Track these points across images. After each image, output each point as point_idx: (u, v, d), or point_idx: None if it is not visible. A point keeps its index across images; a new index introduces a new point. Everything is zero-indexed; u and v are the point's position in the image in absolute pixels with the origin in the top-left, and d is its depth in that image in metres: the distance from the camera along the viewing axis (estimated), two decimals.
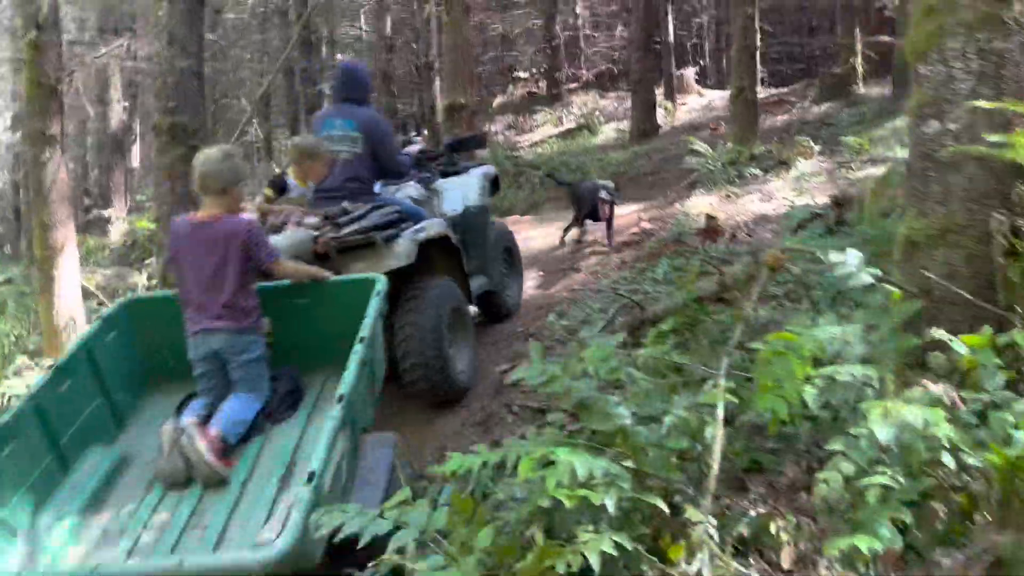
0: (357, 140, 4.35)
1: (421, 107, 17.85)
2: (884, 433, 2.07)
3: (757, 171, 8.87)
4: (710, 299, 3.39)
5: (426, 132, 15.67)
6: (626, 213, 8.51)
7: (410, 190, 4.71)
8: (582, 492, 2.07)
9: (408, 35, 20.15)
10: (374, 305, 3.18)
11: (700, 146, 9.14)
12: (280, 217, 4.02)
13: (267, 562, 2.14)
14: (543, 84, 22.04)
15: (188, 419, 2.96)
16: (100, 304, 7.49)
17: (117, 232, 10.92)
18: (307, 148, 4.17)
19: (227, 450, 2.97)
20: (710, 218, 6.46)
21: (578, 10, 23.12)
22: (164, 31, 5.15)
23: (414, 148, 5.23)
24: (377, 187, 4.57)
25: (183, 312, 3.18)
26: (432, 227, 4.25)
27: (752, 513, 2.29)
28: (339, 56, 25.93)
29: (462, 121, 9.74)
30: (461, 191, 5.07)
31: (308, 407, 3.27)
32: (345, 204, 4.04)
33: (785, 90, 17.71)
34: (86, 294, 7.24)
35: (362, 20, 25.29)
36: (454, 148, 5.46)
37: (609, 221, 7.03)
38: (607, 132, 16.78)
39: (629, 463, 2.29)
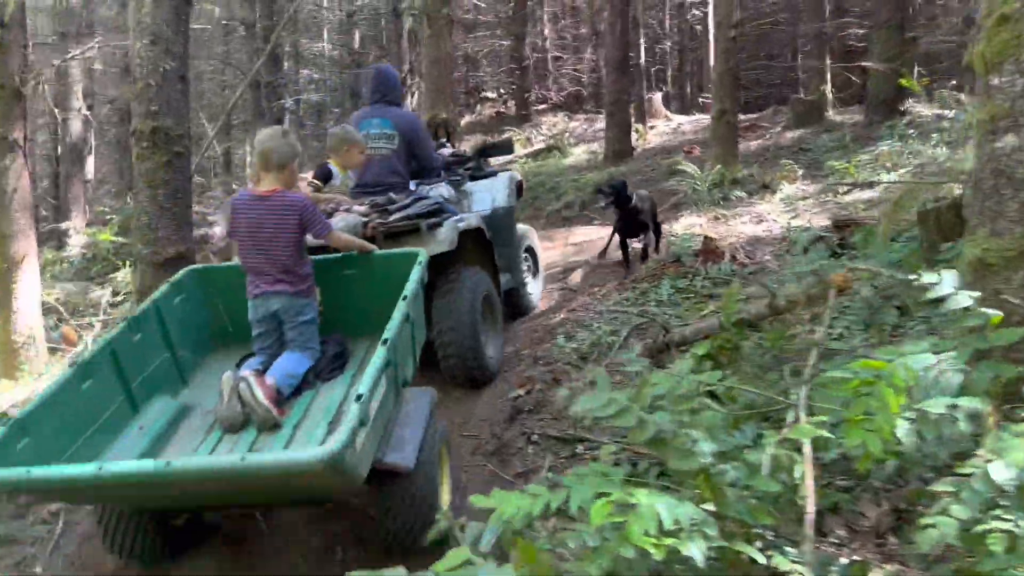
0: (393, 137, 4.67)
1: None
2: (1002, 473, 1.86)
3: (742, 193, 8.81)
4: (751, 322, 3.18)
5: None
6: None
7: (441, 190, 4.88)
8: (669, 541, 1.82)
9: (376, 51, 19.92)
10: (416, 271, 3.40)
11: (688, 167, 9.02)
12: (331, 205, 4.23)
13: (321, 458, 2.24)
14: (511, 104, 21.93)
15: (247, 371, 3.22)
16: (60, 321, 7.03)
17: (76, 245, 10.41)
18: (344, 136, 4.36)
19: (280, 400, 3.20)
20: (707, 239, 6.30)
21: (546, 32, 23.15)
22: (146, 31, 4.81)
23: (445, 151, 5.52)
24: (411, 187, 4.81)
25: (246, 277, 3.42)
26: (470, 219, 4.56)
27: (843, 561, 2.06)
28: (304, 71, 25.59)
29: (443, 136, 9.49)
30: (489, 193, 5.38)
31: (353, 369, 3.50)
32: (391, 195, 4.35)
33: (754, 116, 17.84)
34: (46, 309, 6.78)
35: (325, 35, 25.04)
36: (483, 153, 5.70)
37: (628, 230, 6.35)
38: (577, 154, 16.68)
39: (708, 506, 2.05)
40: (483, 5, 23.61)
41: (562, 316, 5.73)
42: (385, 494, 2.87)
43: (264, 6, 18.63)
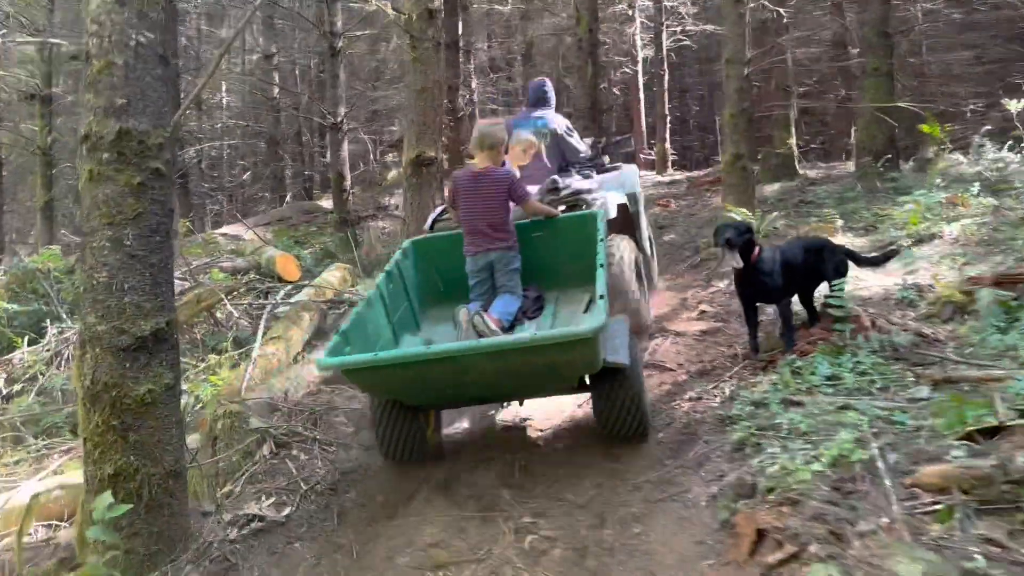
0: (547, 136, 5.47)
1: (325, 172, 15.81)
2: None
3: None
4: None
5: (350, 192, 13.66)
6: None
7: (574, 181, 5.29)
8: None
9: (309, 93, 18.20)
10: (603, 222, 4.29)
11: (738, 212, 7.73)
12: None
13: (589, 331, 3.09)
14: (443, 157, 20.47)
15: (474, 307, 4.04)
16: None
17: None
18: (529, 141, 5.03)
19: (503, 329, 3.94)
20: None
21: (473, 85, 21.98)
22: None
23: (588, 142, 6.23)
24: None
25: (464, 238, 4.30)
26: (620, 196, 5.34)
27: None
28: (205, 120, 23.38)
29: (430, 178, 7.89)
30: (618, 181, 5.78)
31: (549, 312, 4.34)
32: (555, 178, 5.13)
33: (710, 169, 17.11)
34: None
35: (223, 86, 23.04)
36: (605, 151, 6.37)
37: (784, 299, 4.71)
38: None
39: None
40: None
41: (687, 406, 4.19)
42: (606, 389, 3.63)
43: (169, 48, 16.63)
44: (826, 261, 4.80)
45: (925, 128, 9.30)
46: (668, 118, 20.09)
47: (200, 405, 5.12)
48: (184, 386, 5.47)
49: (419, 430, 3.88)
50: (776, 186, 12.80)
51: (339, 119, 13.86)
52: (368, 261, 10.82)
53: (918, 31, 14.82)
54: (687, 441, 3.81)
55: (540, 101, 5.73)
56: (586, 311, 4.18)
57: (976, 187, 8.28)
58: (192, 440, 4.32)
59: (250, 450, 4.11)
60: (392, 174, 21.13)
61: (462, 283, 4.27)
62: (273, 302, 6.48)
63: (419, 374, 3.28)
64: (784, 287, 4.59)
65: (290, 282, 7.56)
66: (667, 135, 19.75)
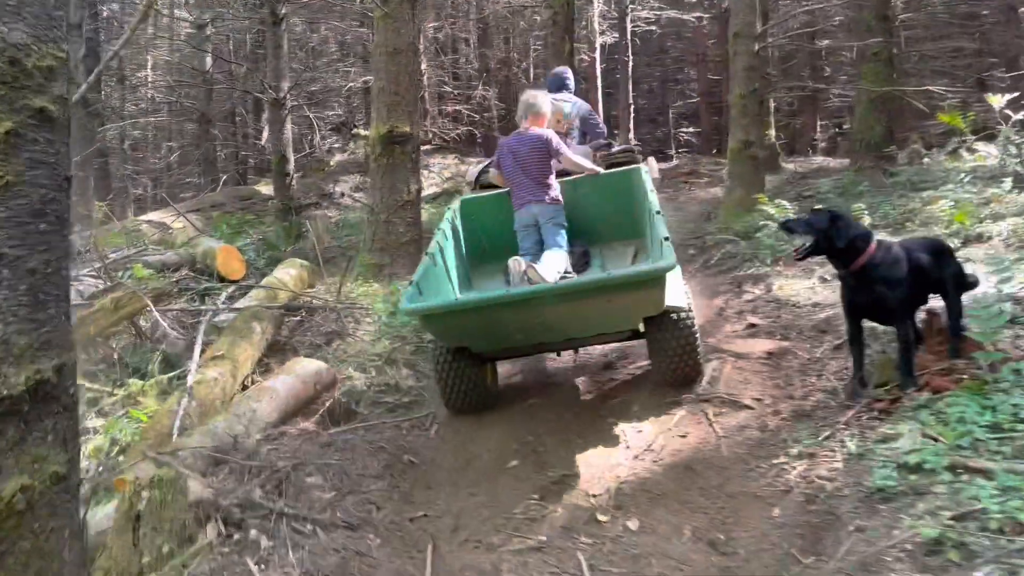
0: (575, 117, 5.66)
1: (261, 155, 14.30)
2: None
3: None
4: None
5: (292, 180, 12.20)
6: None
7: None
8: None
9: (249, 65, 16.56)
10: (647, 176, 4.48)
11: (769, 207, 6.69)
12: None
13: (664, 267, 3.29)
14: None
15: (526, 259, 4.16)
16: None
17: None
18: (562, 111, 5.37)
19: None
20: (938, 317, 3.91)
21: (423, 67, 20.63)
22: None
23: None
24: None
25: (511, 195, 4.54)
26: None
27: None
28: (129, 95, 21.43)
29: (403, 158, 6.64)
30: None
31: (596, 266, 4.60)
32: (598, 141, 5.52)
33: (676, 163, 16.25)
34: None
35: (149, 61, 21.13)
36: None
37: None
38: None
39: None
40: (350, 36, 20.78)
41: (799, 467, 3.09)
42: (663, 331, 3.88)
43: (89, 5, 14.86)
44: (944, 269, 3.78)
45: (942, 117, 8.48)
46: (632, 107, 19.10)
47: (117, 451, 3.81)
48: (95, 422, 4.14)
49: (480, 379, 4.17)
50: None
51: (282, 94, 12.40)
52: (319, 254, 9.47)
53: (899, 21, 14.18)
54: (822, 525, 2.72)
55: (562, 88, 5.84)
56: (633, 263, 4.48)
57: (1008, 183, 7.48)
58: (103, 516, 3.02)
59: (189, 534, 2.84)
60: (337, 158, 19.68)
61: (506, 241, 4.46)
62: (214, 308, 5.14)
63: (496, 317, 3.52)
64: (909, 301, 3.55)
65: (234, 281, 6.22)
66: (631, 126, 18.78)
